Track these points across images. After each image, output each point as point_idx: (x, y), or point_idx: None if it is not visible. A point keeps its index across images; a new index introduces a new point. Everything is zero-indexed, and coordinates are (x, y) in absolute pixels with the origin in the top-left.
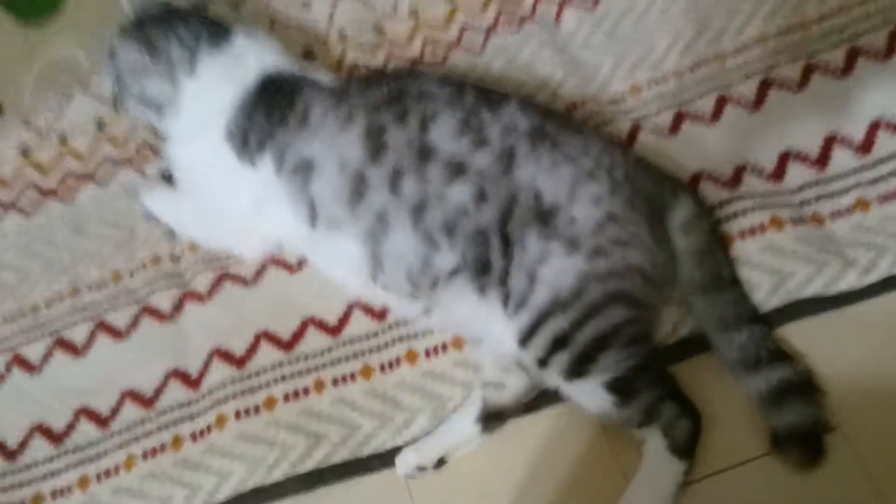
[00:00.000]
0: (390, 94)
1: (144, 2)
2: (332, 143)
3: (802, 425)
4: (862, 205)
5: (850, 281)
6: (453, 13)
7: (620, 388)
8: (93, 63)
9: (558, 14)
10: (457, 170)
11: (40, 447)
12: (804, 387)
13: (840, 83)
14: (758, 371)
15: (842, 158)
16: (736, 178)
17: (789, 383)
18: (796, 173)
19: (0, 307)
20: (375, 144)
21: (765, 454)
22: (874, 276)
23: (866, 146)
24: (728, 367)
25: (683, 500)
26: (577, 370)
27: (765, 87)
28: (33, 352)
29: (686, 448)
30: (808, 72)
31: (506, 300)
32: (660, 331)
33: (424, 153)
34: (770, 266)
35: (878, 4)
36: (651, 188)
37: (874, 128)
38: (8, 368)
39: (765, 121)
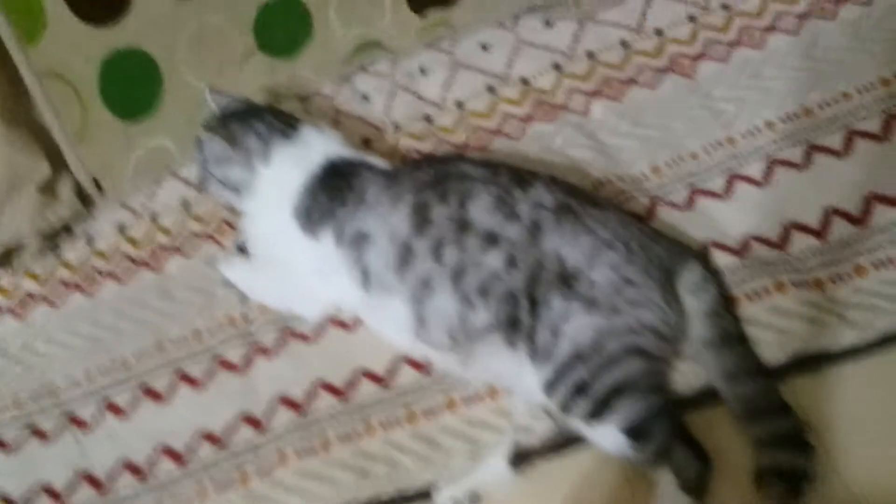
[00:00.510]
0: (434, 175)
1: (227, 101)
2: (384, 219)
3: (787, 466)
4: (859, 270)
5: (849, 339)
6: (495, 105)
7: (635, 432)
8: (181, 153)
9: (588, 104)
10: (491, 240)
11: (126, 481)
12: (797, 439)
13: (838, 161)
14: (758, 420)
15: (841, 229)
16: (744, 247)
17: (784, 434)
18: (800, 242)
19: (96, 361)
20: (421, 219)
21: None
22: (871, 336)
23: (863, 218)
24: (733, 416)
25: None
26: (596, 415)
27: (771, 165)
28: (123, 399)
29: (697, 488)
30: (809, 153)
31: (533, 353)
32: (674, 383)
33: (463, 226)
34: (775, 325)
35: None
36: (663, 255)
37: (869, 202)
38: (101, 413)
39: (772, 196)
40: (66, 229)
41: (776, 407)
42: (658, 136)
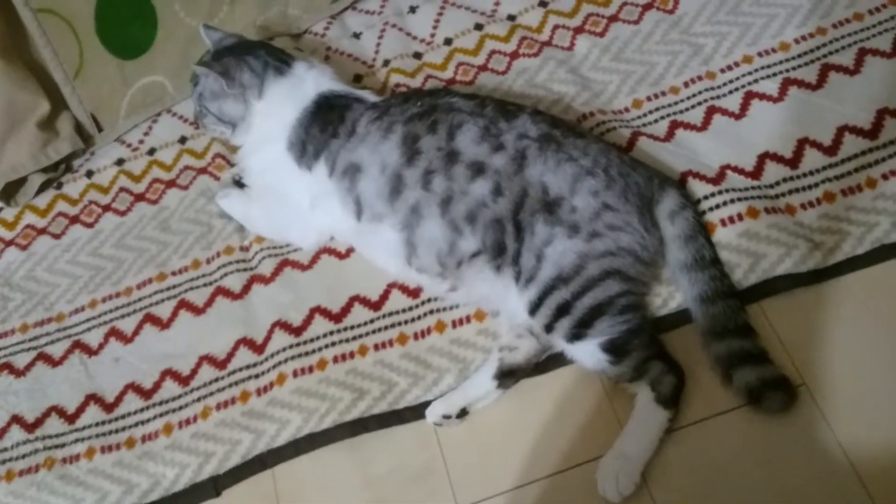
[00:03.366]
0: (423, 108)
1: (221, 37)
2: (375, 150)
3: (772, 377)
4: (828, 197)
5: (816, 261)
6: (482, 41)
7: (614, 349)
8: (176, 89)
9: (572, 40)
10: (478, 169)
11: (133, 401)
12: (758, 358)
13: (813, 94)
14: (722, 338)
15: (812, 158)
16: (720, 176)
17: (748, 353)
18: (773, 171)
19: (99, 290)
20: (411, 150)
21: (738, 407)
22: (838, 258)
23: (833, 148)
24: (701, 335)
25: (670, 444)
26: (577, 334)
27: (748, 98)
28: (127, 325)
29: (671, 399)
30: (785, 86)
31: (518, 277)
32: (652, 304)
33: (451, 156)
34: (746, 249)
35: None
36: (642, 183)
37: (840, 132)
38: (106, 339)
39: (747, 127)
40: (67, 166)
41: (740, 328)
42: (639, 71)
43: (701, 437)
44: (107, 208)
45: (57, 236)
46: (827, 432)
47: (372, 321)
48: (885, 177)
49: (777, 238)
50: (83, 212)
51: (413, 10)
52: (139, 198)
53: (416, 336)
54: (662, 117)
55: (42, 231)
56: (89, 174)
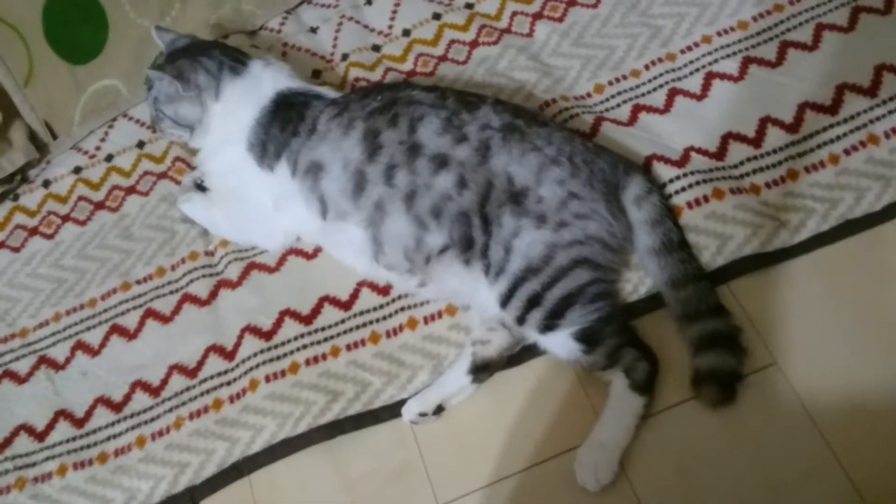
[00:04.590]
0: (384, 102)
1: (173, 38)
2: (337, 147)
3: (721, 369)
4: (792, 175)
5: (783, 239)
6: (441, 31)
7: (586, 338)
8: (131, 92)
9: (531, 27)
10: (441, 162)
11: (103, 415)
12: (731, 340)
13: (772, 72)
14: (696, 321)
15: (774, 137)
16: (684, 158)
17: (719, 334)
18: (736, 151)
19: (62, 302)
20: (372, 145)
21: None
22: (803, 235)
23: (795, 125)
24: (674, 319)
25: (646, 430)
26: (549, 325)
27: (709, 79)
28: (93, 338)
29: (645, 386)
30: (745, 65)
31: (487, 270)
32: (622, 290)
33: (413, 150)
34: (713, 231)
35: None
36: (607, 169)
37: (801, 109)
38: (73, 353)
39: (709, 108)
40: (23, 177)
41: (712, 309)
42: (600, 55)
43: (677, 422)
44: (66, 218)
45: (16, 249)
46: (800, 409)
47: (343, 321)
48: (847, 152)
49: (743, 218)
50: (42, 223)
51: (369, 1)
52: (99, 206)
53: (388, 334)
54: (625, 101)
55: (0, 245)
56: (46, 184)
